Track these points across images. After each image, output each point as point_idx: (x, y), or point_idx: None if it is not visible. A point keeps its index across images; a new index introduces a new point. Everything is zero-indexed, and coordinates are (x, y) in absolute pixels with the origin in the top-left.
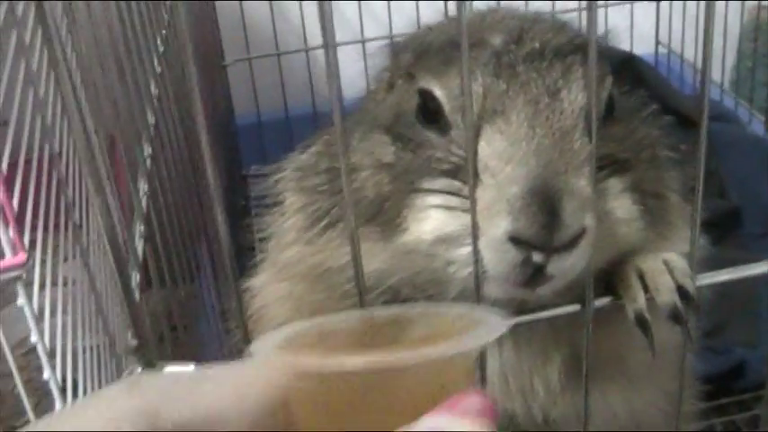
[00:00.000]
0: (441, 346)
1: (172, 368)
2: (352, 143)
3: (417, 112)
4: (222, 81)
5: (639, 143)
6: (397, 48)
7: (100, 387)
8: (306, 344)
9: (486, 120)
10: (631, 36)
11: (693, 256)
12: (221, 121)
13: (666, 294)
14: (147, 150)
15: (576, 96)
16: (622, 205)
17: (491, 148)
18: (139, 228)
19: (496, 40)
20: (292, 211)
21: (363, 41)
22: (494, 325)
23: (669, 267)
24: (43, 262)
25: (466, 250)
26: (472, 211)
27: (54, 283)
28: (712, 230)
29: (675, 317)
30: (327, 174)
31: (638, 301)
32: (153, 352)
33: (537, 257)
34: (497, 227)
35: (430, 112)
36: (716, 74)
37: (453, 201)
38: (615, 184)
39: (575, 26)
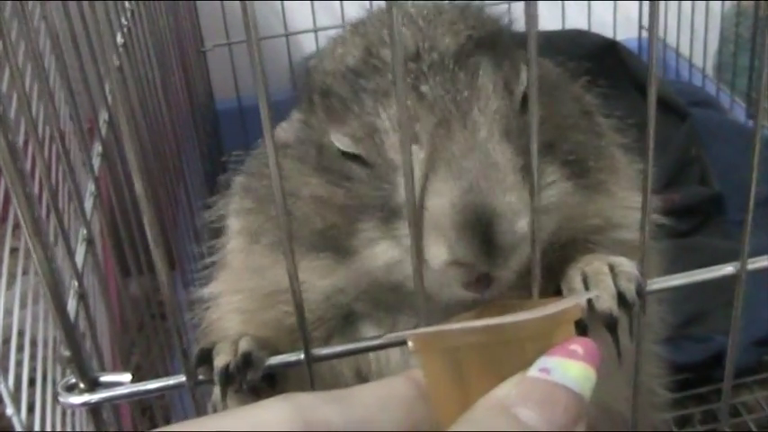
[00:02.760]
0: (549, 307)
1: (107, 377)
2: (289, 168)
3: (338, 149)
4: (201, 66)
5: (564, 118)
6: (307, 69)
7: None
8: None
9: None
10: (614, 21)
11: (644, 259)
12: (201, 106)
13: (605, 301)
14: (98, 149)
15: (485, 102)
16: (553, 181)
17: (415, 181)
18: (82, 231)
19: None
20: (234, 233)
21: (345, 26)
22: (582, 294)
23: (614, 272)
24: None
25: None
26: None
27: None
28: (694, 217)
29: (609, 324)
30: (261, 194)
31: (573, 290)
32: (85, 362)
33: (481, 268)
34: (438, 257)
35: (348, 151)
36: (699, 59)
37: (393, 230)
38: (545, 163)
39: (477, 9)
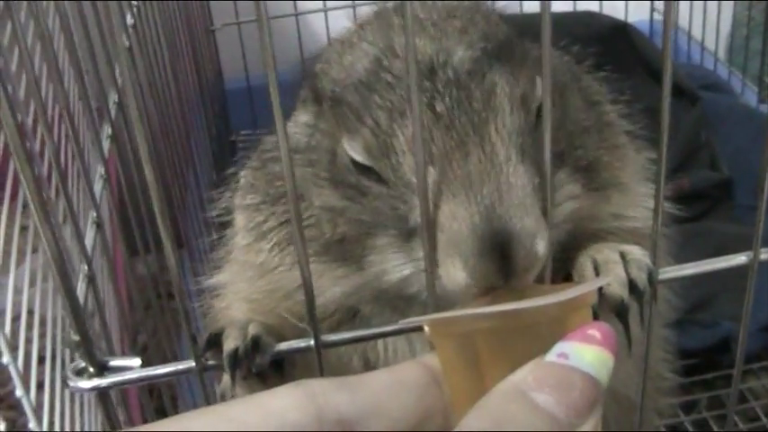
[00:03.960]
0: (564, 293)
1: (117, 362)
2: (296, 172)
3: (351, 162)
4: (210, 45)
5: (574, 123)
6: (313, 73)
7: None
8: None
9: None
10: (626, 2)
11: (655, 248)
12: (209, 86)
13: (616, 287)
14: (108, 131)
15: (502, 123)
16: (569, 192)
17: (431, 202)
18: (92, 214)
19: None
20: (240, 228)
21: (355, 6)
22: (598, 280)
23: (625, 260)
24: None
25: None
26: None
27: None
28: (703, 202)
29: (620, 312)
30: (266, 193)
31: (584, 277)
32: (94, 346)
33: (498, 286)
34: (457, 280)
35: (362, 165)
36: (711, 42)
37: (408, 249)
38: (558, 176)
39: (486, 14)
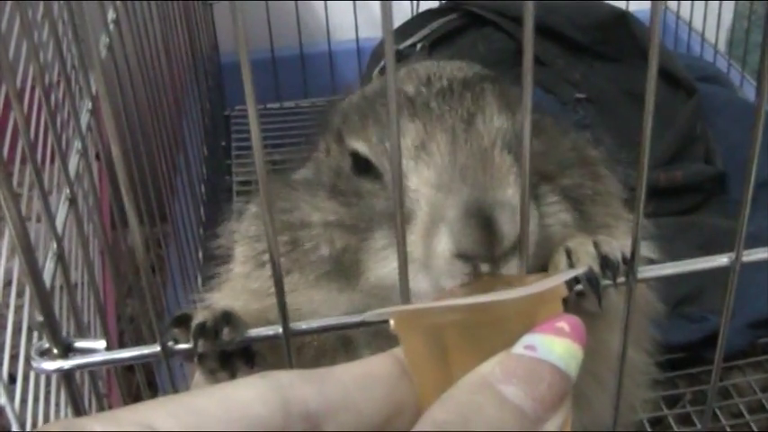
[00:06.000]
0: (534, 285)
1: (82, 343)
2: (300, 202)
3: (352, 168)
4: (207, 19)
5: (563, 154)
6: (327, 112)
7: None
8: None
9: (411, 157)
10: None
11: (637, 236)
12: (204, 60)
13: (586, 261)
14: (88, 105)
15: (490, 119)
16: (554, 210)
17: (420, 179)
18: (65, 191)
19: (408, 88)
20: (239, 261)
21: None
22: (568, 272)
23: (596, 242)
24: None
25: (425, 283)
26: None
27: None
28: (696, 195)
29: (591, 283)
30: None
31: (558, 268)
32: (58, 327)
33: (484, 267)
34: (443, 248)
35: (362, 164)
36: (711, 34)
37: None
38: (546, 190)
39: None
